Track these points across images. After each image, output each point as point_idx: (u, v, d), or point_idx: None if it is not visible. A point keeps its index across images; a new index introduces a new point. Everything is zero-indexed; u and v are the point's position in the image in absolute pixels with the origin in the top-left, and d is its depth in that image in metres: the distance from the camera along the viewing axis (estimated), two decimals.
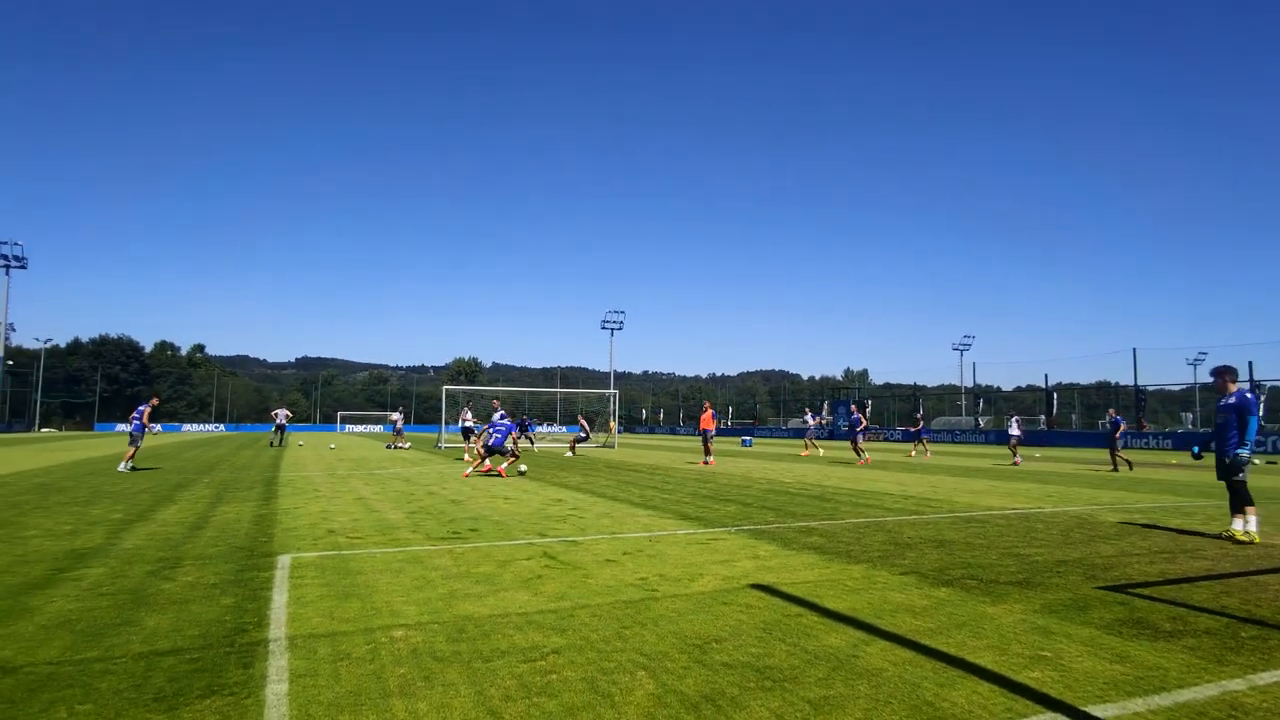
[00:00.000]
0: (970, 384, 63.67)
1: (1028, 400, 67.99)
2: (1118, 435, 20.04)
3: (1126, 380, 44.09)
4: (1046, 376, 49.93)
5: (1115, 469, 19.63)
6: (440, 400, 37.88)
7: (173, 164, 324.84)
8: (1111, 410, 22.56)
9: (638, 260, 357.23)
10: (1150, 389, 46.39)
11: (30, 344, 78.89)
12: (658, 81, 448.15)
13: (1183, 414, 61.61)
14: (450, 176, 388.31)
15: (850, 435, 22.89)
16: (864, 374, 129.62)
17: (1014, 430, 23.14)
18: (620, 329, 77.88)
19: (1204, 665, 3.77)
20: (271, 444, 32.09)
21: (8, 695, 3.28)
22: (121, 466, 16.59)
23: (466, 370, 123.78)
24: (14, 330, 70.95)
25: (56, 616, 4.56)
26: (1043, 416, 49.33)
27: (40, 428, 70.79)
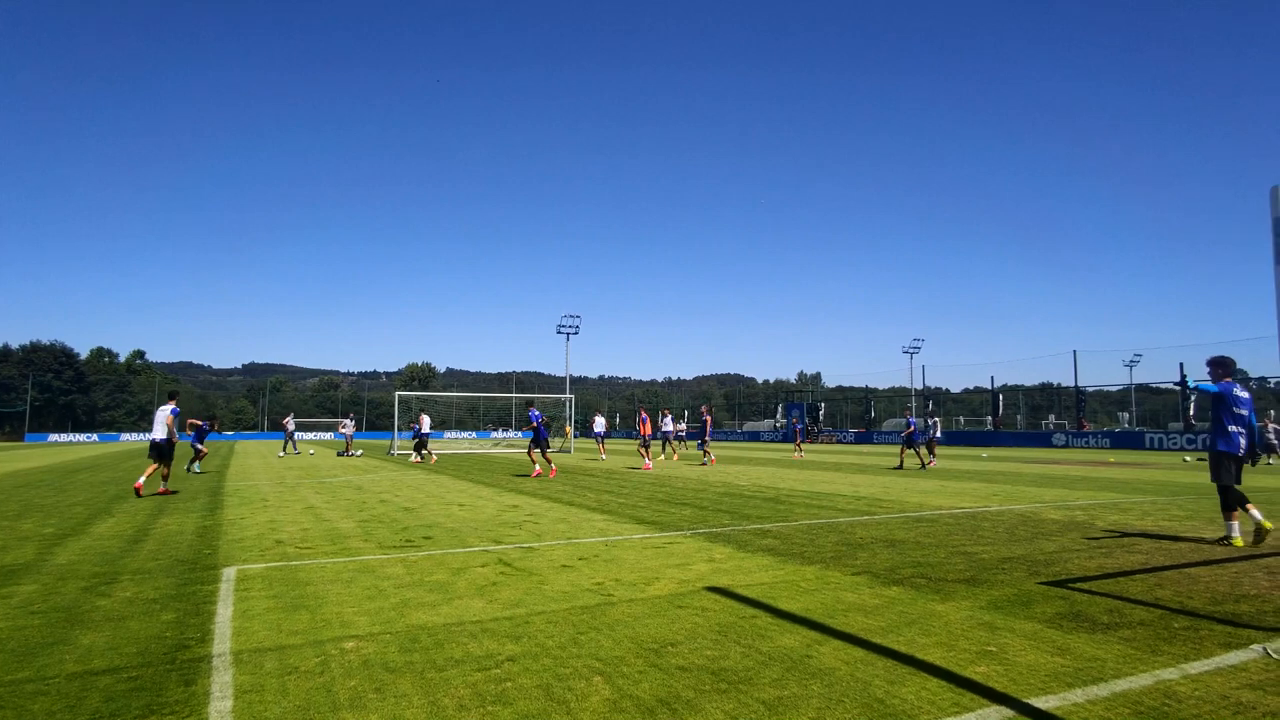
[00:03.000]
0: (920, 386, 65.15)
1: (975, 401, 69.87)
2: (910, 435, 21.24)
3: (1068, 381, 45.64)
4: (993, 379, 51.43)
5: (901, 465, 21.00)
6: (394, 406, 37.24)
7: (108, 164, 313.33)
8: (906, 411, 23.64)
9: (593, 265, 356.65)
10: (1090, 390, 48.05)
11: None
12: (609, 88, 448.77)
13: (1120, 414, 64.01)
14: (402, 181, 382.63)
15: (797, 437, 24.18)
16: (817, 377, 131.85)
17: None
18: (576, 333, 77.54)
19: (1139, 656, 3.92)
20: (282, 453, 31.52)
21: None
22: (196, 468, 19.69)
23: (420, 376, 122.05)
24: None
25: None
26: (989, 417, 50.74)
27: None
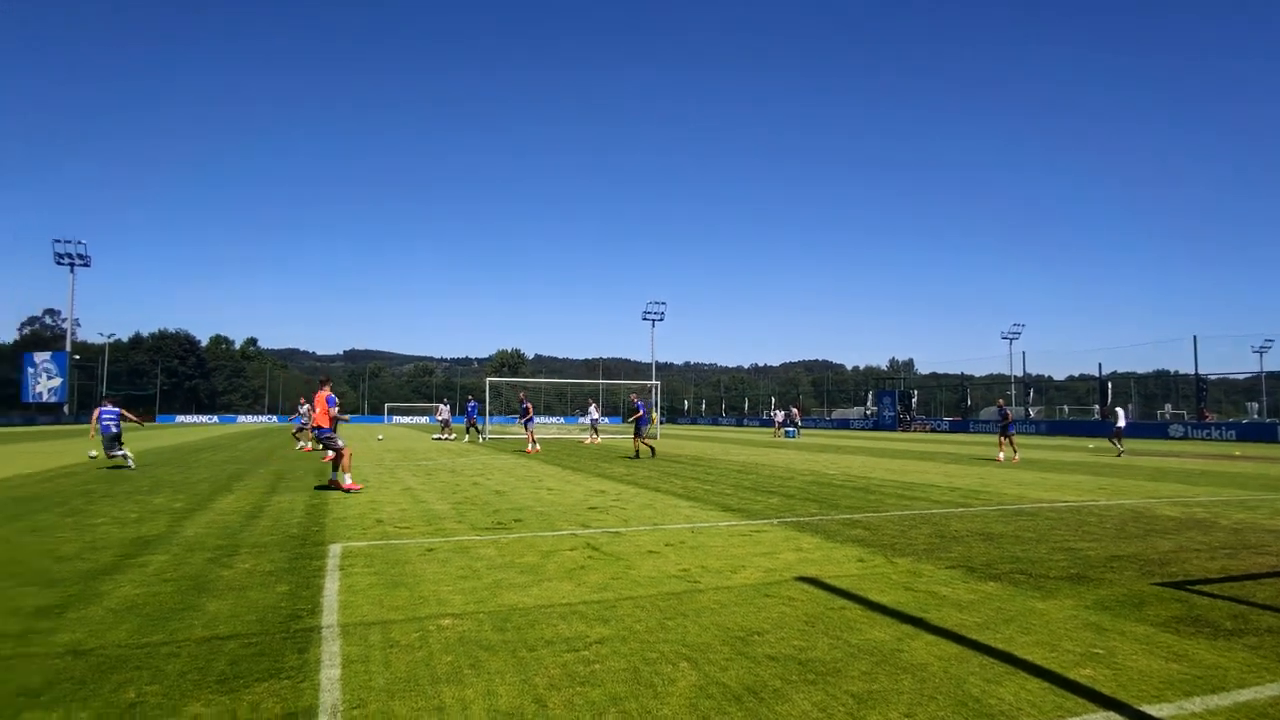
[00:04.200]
0: (1020, 373, 62.18)
1: (1080, 390, 66.09)
2: (1007, 425, 20.05)
3: (1187, 369, 42.57)
4: (1100, 365, 48.21)
5: (1001, 458, 19.77)
6: (484, 391, 38.40)
7: (219, 161, 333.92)
8: (1000, 401, 22.13)
9: (679, 251, 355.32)
10: (1212, 378, 44.75)
11: (95, 339, 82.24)
12: (697, 74, 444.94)
13: (1248, 404, 59.33)
14: (492, 169, 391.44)
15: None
16: (909, 364, 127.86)
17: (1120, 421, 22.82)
18: (661, 320, 78.14)
19: (1266, 665, 3.65)
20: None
21: (80, 676, 3.45)
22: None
23: (510, 362, 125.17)
24: (79, 325, 73.91)
25: (124, 601, 4.78)
26: (1096, 407, 47.97)
27: None
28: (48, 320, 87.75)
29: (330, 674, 3.48)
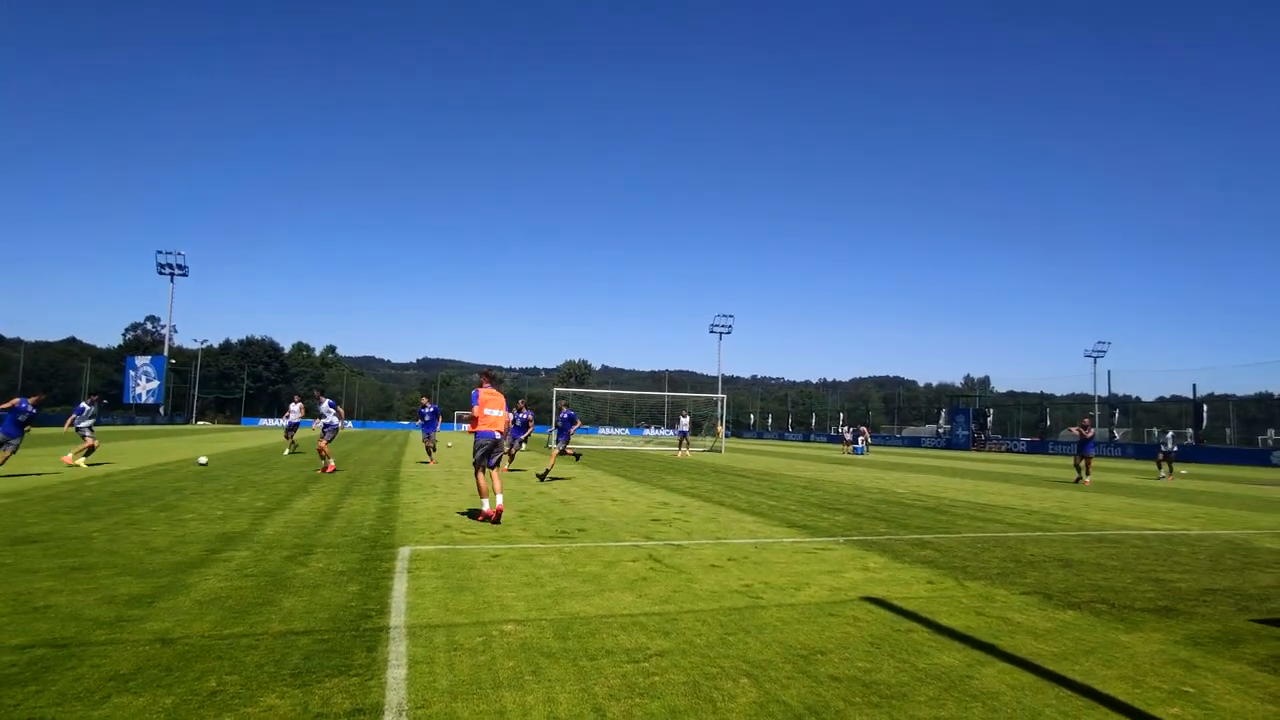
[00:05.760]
0: (1105, 393, 59.32)
1: (1172, 412, 62.58)
2: (1084, 443, 19.48)
3: None
4: (1195, 387, 45.45)
5: (1079, 479, 19.21)
6: (551, 401, 38.97)
7: (299, 172, 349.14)
8: (1085, 419, 21.00)
9: (747, 263, 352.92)
10: None
11: (189, 344, 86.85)
12: (766, 80, 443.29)
13: None
14: (561, 180, 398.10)
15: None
16: (985, 381, 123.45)
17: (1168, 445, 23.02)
18: (729, 333, 77.79)
19: None
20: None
21: (166, 664, 3.64)
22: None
23: (576, 372, 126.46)
24: (176, 331, 78.38)
25: (209, 594, 5.02)
26: (1190, 430, 45.27)
27: (197, 420, 77.81)
28: (149, 326, 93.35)
29: (396, 673, 3.57)
